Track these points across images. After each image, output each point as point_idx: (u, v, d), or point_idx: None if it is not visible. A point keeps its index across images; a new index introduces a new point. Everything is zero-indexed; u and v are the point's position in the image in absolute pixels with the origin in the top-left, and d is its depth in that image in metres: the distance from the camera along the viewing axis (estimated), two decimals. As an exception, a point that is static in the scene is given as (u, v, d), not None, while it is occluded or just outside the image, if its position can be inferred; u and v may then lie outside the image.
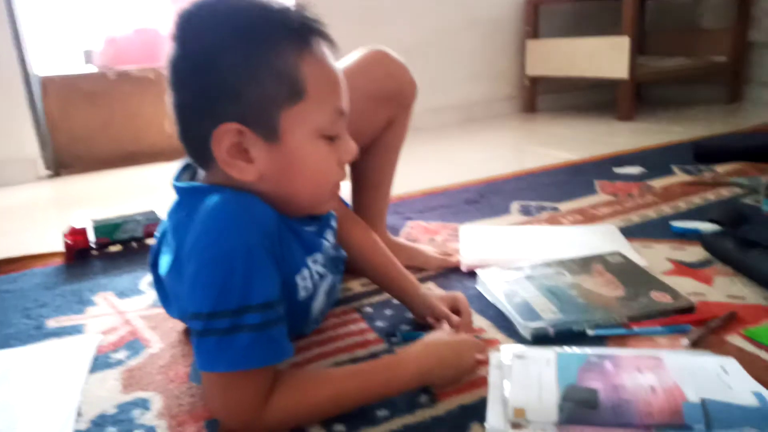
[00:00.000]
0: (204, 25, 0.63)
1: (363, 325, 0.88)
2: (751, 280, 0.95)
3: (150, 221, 1.27)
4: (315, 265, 0.75)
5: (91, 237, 1.25)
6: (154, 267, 0.81)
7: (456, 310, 0.86)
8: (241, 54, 0.62)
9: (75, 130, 2.20)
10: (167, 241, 0.73)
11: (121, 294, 1.05)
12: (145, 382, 0.77)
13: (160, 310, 0.96)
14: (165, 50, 0.65)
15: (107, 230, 1.25)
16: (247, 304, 0.60)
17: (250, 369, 0.60)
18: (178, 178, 0.73)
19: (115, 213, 1.30)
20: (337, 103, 0.68)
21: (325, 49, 0.67)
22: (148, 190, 1.88)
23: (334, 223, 0.83)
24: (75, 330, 0.93)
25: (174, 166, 0.75)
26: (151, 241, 1.29)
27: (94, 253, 1.26)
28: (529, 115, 2.98)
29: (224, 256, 0.60)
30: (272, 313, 0.61)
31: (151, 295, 1.04)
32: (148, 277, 1.11)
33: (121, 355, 0.84)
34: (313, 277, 0.74)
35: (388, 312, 0.92)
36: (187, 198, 0.69)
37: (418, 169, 1.91)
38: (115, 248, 1.28)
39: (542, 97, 3.06)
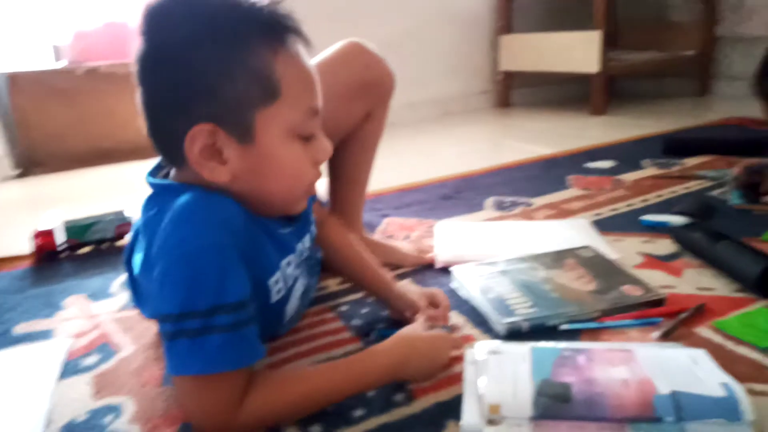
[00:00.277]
0: (174, 20, 0.61)
1: (338, 324, 0.88)
2: (720, 272, 0.97)
3: (121, 221, 1.25)
4: (288, 267, 0.74)
5: (61, 238, 1.23)
6: (129, 264, 0.80)
7: (434, 305, 0.86)
8: (213, 51, 0.60)
9: (45, 128, 2.15)
10: (140, 239, 0.72)
11: (92, 296, 1.03)
12: (116, 386, 0.75)
13: (133, 313, 0.94)
14: (133, 45, 0.63)
15: (77, 231, 1.23)
16: (219, 303, 0.59)
17: (223, 371, 0.59)
18: (152, 174, 0.72)
19: (89, 213, 1.28)
20: (311, 103, 0.67)
21: (300, 47, 0.66)
22: (124, 189, 1.85)
23: (314, 229, 0.82)
24: (44, 335, 0.91)
25: (151, 163, 0.74)
26: (123, 242, 1.28)
27: (64, 254, 1.24)
28: (504, 109, 3.00)
29: (194, 254, 0.59)
30: (244, 314, 0.61)
31: (122, 297, 1.02)
32: (119, 279, 1.09)
33: (92, 359, 0.83)
34: (286, 280, 0.73)
35: (364, 310, 0.91)
36: (158, 195, 0.68)
37: (394, 164, 1.91)
38: (85, 249, 1.26)
39: (516, 91, 3.09)
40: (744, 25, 2.81)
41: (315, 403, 0.66)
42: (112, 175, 2.07)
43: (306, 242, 0.79)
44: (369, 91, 1.01)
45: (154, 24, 0.62)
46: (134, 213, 1.28)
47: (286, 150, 0.66)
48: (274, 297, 0.72)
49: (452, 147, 2.22)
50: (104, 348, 0.85)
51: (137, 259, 0.72)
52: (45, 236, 1.21)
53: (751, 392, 0.67)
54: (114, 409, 0.71)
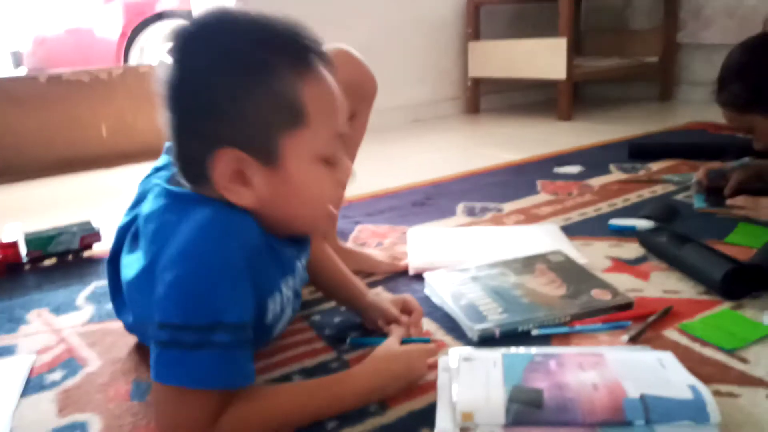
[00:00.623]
0: (202, 45, 0.62)
1: (311, 333, 0.87)
2: (685, 275, 1.00)
3: (86, 232, 1.22)
4: (287, 289, 0.73)
5: (23, 250, 1.19)
6: (112, 264, 0.78)
7: (407, 312, 0.86)
8: (238, 76, 0.61)
9: (5, 137, 2.09)
10: (139, 242, 0.70)
11: (57, 310, 1.00)
12: (82, 403, 0.73)
13: (99, 326, 0.92)
14: (161, 69, 0.63)
15: (40, 243, 1.20)
16: (220, 321, 0.59)
17: (209, 389, 0.59)
18: (170, 181, 0.70)
19: (51, 224, 1.24)
20: (336, 126, 0.67)
21: (325, 71, 0.66)
22: (88, 199, 1.80)
23: (309, 248, 0.82)
24: (6, 351, 0.88)
25: (147, 167, 0.74)
26: (89, 254, 1.25)
27: (27, 267, 1.20)
28: (473, 116, 3.02)
29: (209, 269, 0.59)
30: (242, 335, 0.61)
31: (88, 309, 0.99)
32: (85, 292, 1.07)
33: (56, 375, 0.80)
34: (283, 301, 0.73)
35: (336, 319, 0.91)
36: (177, 203, 0.66)
37: (366, 170, 1.89)
38: (49, 262, 1.23)
39: (485, 97, 3.12)
40: (703, 32, 2.89)
41: (288, 425, 0.65)
42: (75, 185, 2.02)
43: (303, 261, 0.78)
44: (353, 92, 1.01)
45: (183, 49, 0.62)
46: (103, 221, 1.25)
47: (311, 174, 0.66)
48: (270, 317, 0.71)
49: (423, 153, 2.23)
50: (69, 363, 0.83)
51: (131, 261, 0.71)
52: (9, 248, 1.17)
53: (717, 394, 0.68)
54: (79, 427, 0.69)
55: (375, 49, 2.85)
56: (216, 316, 0.59)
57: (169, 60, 0.62)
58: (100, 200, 1.75)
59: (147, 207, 0.70)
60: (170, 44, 0.63)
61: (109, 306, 0.97)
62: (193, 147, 0.64)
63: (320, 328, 0.88)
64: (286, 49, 0.63)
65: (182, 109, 0.63)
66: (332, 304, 0.95)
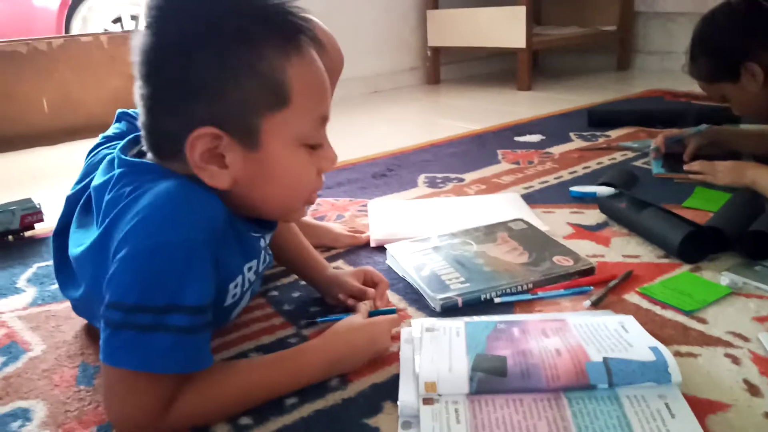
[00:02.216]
0: (181, 13, 0.57)
1: (269, 310, 0.84)
2: (645, 240, 1.00)
3: (27, 211, 1.15)
4: (249, 272, 0.69)
5: (-41, 232, 1.12)
6: (58, 237, 0.73)
7: (369, 284, 0.84)
8: (220, 51, 0.56)
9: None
10: (92, 213, 0.65)
11: (-3, 293, 0.95)
12: (25, 389, 0.69)
13: (41, 309, 0.87)
14: (135, 35, 0.58)
15: (-23, 223, 1.12)
16: (177, 303, 0.55)
17: (162, 373, 0.56)
18: (124, 150, 0.65)
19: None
20: (322, 110, 0.63)
21: (313, 52, 0.62)
22: (28, 178, 1.71)
23: (274, 231, 0.78)
24: (-59, 338, 0.82)
25: (93, 143, 0.69)
26: (30, 233, 1.18)
27: (-36, 249, 1.13)
28: (434, 86, 2.99)
29: (166, 247, 0.54)
30: (200, 318, 0.57)
31: (30, 292, 0.94)
32: (26, 274, 1.01)
33: (-4, 361, 0.76)
34: (244, 285, 0.69)
35: (295, 294, 0.88)
36: (135, 174, 0.61)
37: (323, 144, 1.86)
38: (-12, 243, 1.16)
39: (446, 68, 3.09)
40: (660, 1, 2.91)
41: (248, 402, 0.63)
42: (16, 164, 1.91)
43: (267, 241, 0.74)
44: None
45: (160, 16, 0.57)
46: (45, 199, 1.19)
47: (291, 158, 0.62)
48: (229, 300, 0.68)
49: (383, 125, 2.20)
50: (11, 348, 0.78)
51: (78, 237, 0.66)
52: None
53: (677, 354, 0.69)
54: (23, 414, 0.65)
55: (331, 19, 2.77)
56: (173, 297, 0.55)
57: (146, 27, 0.57)
58: (43, 179, 1.66)
59: (99, 177, 0.65)
60: (147, 10, 0.57)
61: (53, 287, 0.93)
62: (168, 123, 0.59)
63: (278, 304, 0.85)
64: (276, 26, 0.58)
65: (158, 82, 0.59)
66: (291, 278, 0.92)
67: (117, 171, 0.62)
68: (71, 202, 0.74)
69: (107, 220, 0.59)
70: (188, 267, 0.55)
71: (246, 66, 0.57)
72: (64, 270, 0.74)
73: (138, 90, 0.60)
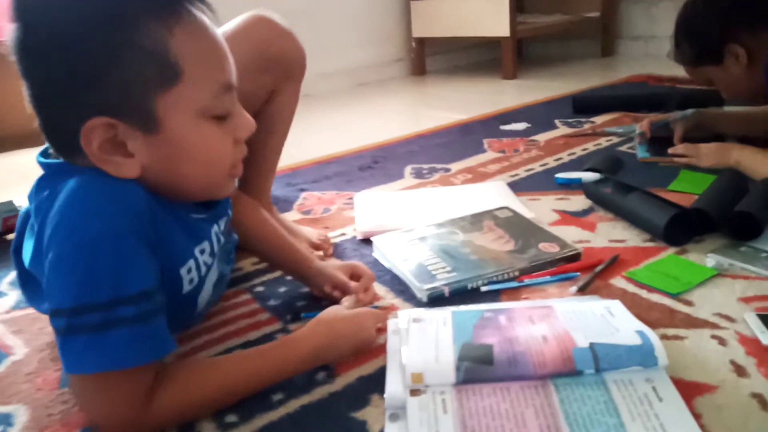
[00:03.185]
0: (48, 1, 0.54)
1: (255, 305, 0.83)
2: (630, 224, 1.00)
3: (8, 213, 1.14)
4: (203, 255, 0.68)
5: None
6: (17, 254, 0.71)
7: (356, 279, 0.83)
8: (96, 32, 0.53)
9: None
10: (31, 225, 0.64)
11: (-22, 298, 0.93)
12: (7, 394, 0.68)
13: (24, 312, 0.86)
14: (9, 34, 0.55)
15: (-43, 227, 1.11)
16: (119, 295, 0.53)
17: (129, 367, 0.54)
18: (43, 154, 0.63)
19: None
20: (222, 78, 0.60)
21: (202, 17, 0.59)
22: (9, 180, 1.69)
23: (230, 212, 0.76)
24: None
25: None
26: (10, 237, 1.16)
27: (-55, 254, 1.11)
28: (419, 77, 2.98)
29: (88, 242, 0.53)
30: (149, 304, 0.56)
31: (13, 296, 0.93)
32: (8, 277, 1.00)
33: (-22, 366, 0.74)
34: (200, 268, 0.68)
35: (281, 289, 0.87)
36: (50, 177, 0.60)
37: (310, 137, 1.85)
38: (-31, 247, 1.14)
39: (431, 59, 3.08)
40: (642, -14, 2.91)
41: (232, 395, 0.62)
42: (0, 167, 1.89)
43: (221, 226, 0.73)
44: (275, 66, 0.95)
45: (26, 7, 0.54)
46: (24, 202, 1.17)
47: (198, 133, 0.59)
48: (187, 287, 0.66)
49: (368, 117, 2.19)
50: (-7, 353, 0.77)
51: (27, 248, 0.65)
52: None
53: (664, 337, 0.69)
54: (4, 419, 0.64)
55: (315, 11, 2.77)
56: (113, 289, 0.53)
57: (14, 22, 0.54)
58: (25, 182, 1.62)
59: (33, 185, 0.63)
60: (12, 1, 0.54)
61: (35, 290, 0.91)
62: (59, 119, 0.57)
63: (264, 299, 0.85)
64: None
65: (40, 79, 0.56)
66: (276, 273, 0.91)
67: (39, 176, 0.61)
68: (23, 216, 0.72)
69: (36, 228, 0.58)
70: (118, 256, 0.54)
71: (124, 45, 0.54)
72: (29, 284, 0.73)
73: (24, 90, 0.57)
